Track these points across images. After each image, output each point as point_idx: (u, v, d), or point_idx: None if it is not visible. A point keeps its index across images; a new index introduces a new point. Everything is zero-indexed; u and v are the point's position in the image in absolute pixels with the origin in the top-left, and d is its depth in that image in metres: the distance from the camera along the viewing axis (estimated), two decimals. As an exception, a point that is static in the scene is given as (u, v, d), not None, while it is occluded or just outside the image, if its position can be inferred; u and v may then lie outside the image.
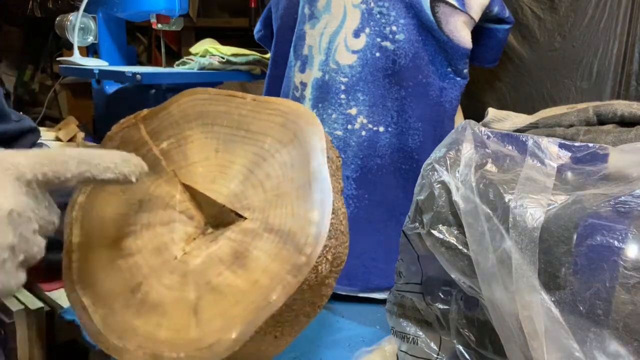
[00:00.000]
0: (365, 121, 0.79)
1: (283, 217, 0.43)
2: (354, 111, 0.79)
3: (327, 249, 0.42)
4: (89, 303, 0.43)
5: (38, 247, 0.33)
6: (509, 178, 0.47)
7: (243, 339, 0.40)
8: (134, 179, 0.39)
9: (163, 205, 0.45)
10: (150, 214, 0.45)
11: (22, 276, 0.32)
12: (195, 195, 0.46)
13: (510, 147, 0.53)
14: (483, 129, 0.54)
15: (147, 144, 0.46)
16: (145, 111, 0.48)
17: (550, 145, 0.52)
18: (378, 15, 0.77)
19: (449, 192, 0.50)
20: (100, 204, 0.44)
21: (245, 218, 0.44)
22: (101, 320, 0.42)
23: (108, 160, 0.37)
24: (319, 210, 0.43)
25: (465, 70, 0.81)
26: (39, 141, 0.61)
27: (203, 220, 0.46)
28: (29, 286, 0.86)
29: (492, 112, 0.81)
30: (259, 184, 0.45)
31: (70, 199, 0.43)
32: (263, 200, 0.44)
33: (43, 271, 0.64)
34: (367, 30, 0.78)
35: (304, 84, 0.83)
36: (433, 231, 0.50)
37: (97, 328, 0.42)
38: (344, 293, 0.81)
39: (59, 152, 0.35)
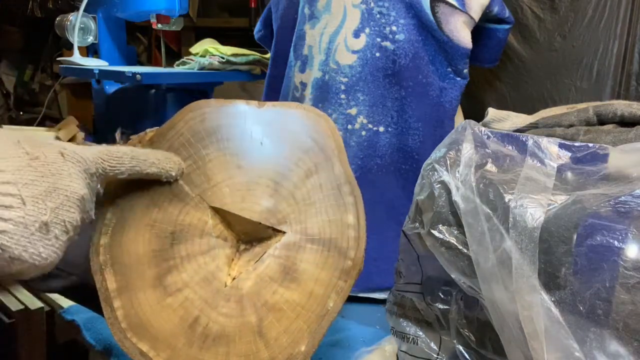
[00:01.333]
0: (365, 121, 0.79)
1: (321, 225, 0.45)
2: (354, 111, 0.79)
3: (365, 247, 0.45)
4: (147, 348, 0.41)
5: (78, 234, 0.37)
6: (509, 178, 0.47)
7: (312, 350, 0.42)
8: (174, 174, 0.43)
9: (198, 234, 0.43)
10: (187, 245, 0.43)
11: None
12: (225, 216, 0.44)
13: (510, 147, 0.53)
14: (483, 129, 0.54)
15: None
16: (150, 133, 0.45)
17: (550, 145, 0.52)
18: (378, 15, 0.77)
19: (449, 192, 0.50)
20: (129, 244, 0.41)
21: (284, 232, 0.44)
22: None
23: (153, 156, 0.41)
24: (352, 212, 0.46)
25: (465, 70, 0.81)
26: None
27: (235, 238, 0.45)
28: (29, 286, 0.86)
29: (492, 112, 0.81)
30: (289, 195, 0.45)
31: (91, 243, 0.41)
32: (297, 212, 0.45)
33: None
34: (367, 30, 0.78)
35: (304, 84, 0.83)
36: (433, 231, 0.50)
37: None
38: None
39: (115, 149, 0.40)
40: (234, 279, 0.43)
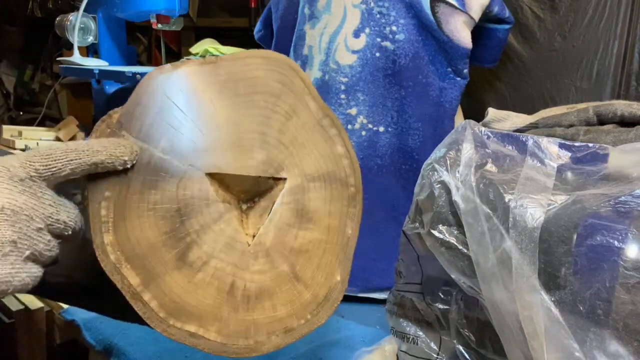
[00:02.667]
0: (365, 121, 0.79)
1: (316, 163, 0.46)
2: (354, 111, 0.79)
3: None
4: (195, 328, 0.40)
5: (45, 244, 0.35)
6: (509, 178, 0.47)
7: (346, 276, 0.46)
8: (127, 159, 0.40)
9: (204, 203, 0.42)
10: (197, 217, 0.42)
11: (34, 269, 0.34)
12: (223, 179, 0.43)
13: (510, 147, 0.53)
14: (483, 129, 0.54)
15: (146, 150, 0.41)
16: (114, 115, 0.42)
17: (550, 145, 0.52)
18: (378, 15, 0.77)
19: (449, 192, 0.50)
20: (136, 234, 0.40)
21: (285, 178, 0.45)
22: (219, 334, 0.41)
23: (97, 145, 0.38)
24: (339, 143, 0.47)
25: (465, 70, 0.81)
26: None
27: (235, 199, 0.44)
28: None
29: (492, 112, 0.81)
30: (277, 142, 0.45)
31: (95, 246, 0.39)
32: (290, 156, 0.45)
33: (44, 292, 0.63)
34: (367, 30, 0.78)
35: (304, 84, 0.83)
36: (433, 231, 0.50)
37: (220, 342, 0.41)
38: (344, 293, 0.81)
39: (47, 146, 0.37)
40: (253, 236, 0.44)
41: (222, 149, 0.43)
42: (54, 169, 0.36)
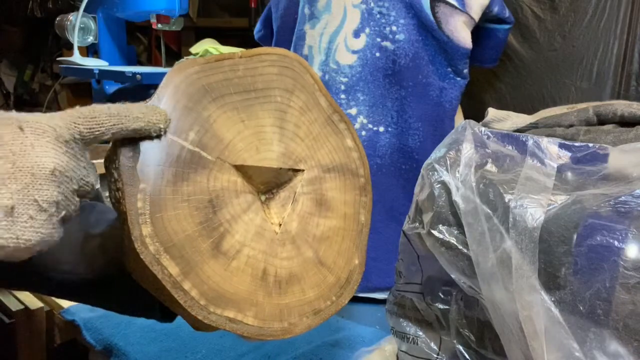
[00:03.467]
0: (365, 121, 0.79)
1: (329, 155, 0.49)
2: (354, 111, 0.79)
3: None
4: (234, 314, 0.42)
5: (75, 206, 0.36)
6: (509, 178, 0.47)
7: (363, 260, 0.50)
8: (162, 127, 0.41)
9: (234, 194, 0.44)
10: (228, 208, 0.43)
11: (61, 231, 0.35)
12: (246, 171, 0.45)
13: (510, 147, 0.53)
14: (483, 129, 0.54)
15: (176, 143, 0.42)
16: None
17: (550, 145, 0.52)
18: (378, 15, 0.77)
19: (449, 192, 0.50)
20: (173, 225, 0.41)
21: (303, 170, 0.48)
22: (256, 318, 0.43)
23: (136, 110, 0.39)
24: (349, 137, 0.51)
25: (465, 70, 0.81)
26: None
27: (256, 190, 0.46)
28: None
29: (492, 112, 0.81)
30: (294, 135, 0.48)
31: (133, 238, 0.39)
32: (306, 148, 0.48)
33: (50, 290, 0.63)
34: (367, 30, 0.78)
35: (304, 84, 0.83)
36: (433, 231, 0.50)
37: (257, 326, 0.43)
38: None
39: (90, 108, 0.37)
40: (279, 225, 0.46)
41: (245, 142, 0.45)
42: (97, 132, 0.36)
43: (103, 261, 0.47)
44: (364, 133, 0.79)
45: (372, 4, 0.77)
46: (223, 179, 0.44)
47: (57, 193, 0.33)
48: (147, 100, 0.43)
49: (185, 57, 1.35)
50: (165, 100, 0.42)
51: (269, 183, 0.47)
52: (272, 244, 0.45)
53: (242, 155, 0.45)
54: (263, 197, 0.47)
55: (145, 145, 0.41)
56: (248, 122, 0.45)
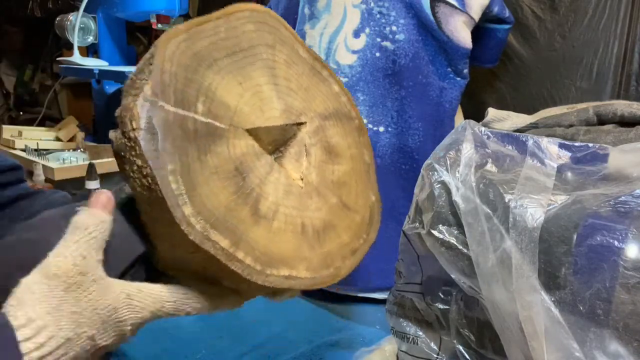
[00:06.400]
0: (365, 121, 0.79)
1: (323, 103, 0.50)
2: (354, 111, 0.79)
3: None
4: (289, 272, 0.43)
5: None
6: (509, 178, 0.47)
7: (378, 195, 0.53)
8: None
9: (256, 158, 0.44)
10: (254, 172, 0.44)
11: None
12: (257, 134, 0.45)
13: (510, 147, 0.53)
14: (483, 129, 0.54)
15: (188, 117, 0.41)
16: (144, 86, 0.41)
17: (550, 145, 0.52)
18: (378, 15, 0.77)
19: (449, 192, 0.50)
20: (210, 200, 0.40)
21: (305, 122, 0.49)
22: (307, 271, 0.44)
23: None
24: (334, 82, 0.52)
25: (465, 70, 0.81)
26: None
27: (266, 149, 0.46)
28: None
29: (492, 112, 0.81)
30: (288, 89, 0.48)
31: (177, 221, 0.38)
32: (301, 100, 0.49)
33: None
34: (367, 30, 0.78)
35: (304, 84, 0.83)
36: (433, 231, 0.50)
37: (310, 278, 0.44)
38: (344, 293, 0.81)
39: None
40: (301, 179, 0.47)
41: (249, 104, 0.45)
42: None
43: None
44: (364, 133, 0.79)
45: (372, 4, 0.77)
46: (241, 145, 0.43)
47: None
48: (143, 81, 0.40)
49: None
50: (166, 73, 0.41)
51: (276, 142, 0.47)
52: (302, 199, 0.46)
53: (250, 118, 0.45)
54: (274, 156, 0.47)
55: (158, 125, 0.39)
56: (245, 84, 0.45)
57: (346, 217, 0.49)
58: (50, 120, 1.99)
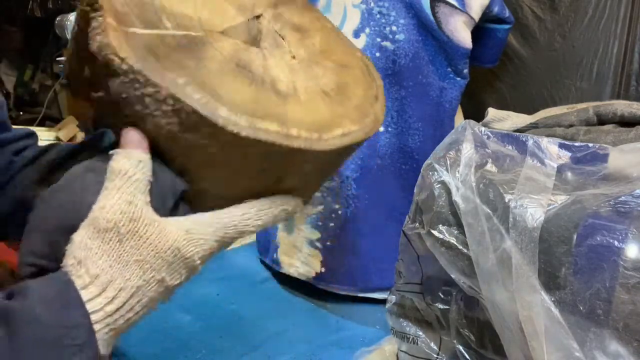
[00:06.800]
0: (365, 121, 0.79)
1: None
2: (354, 111, 0.79)
3: None
4: (341, 130, 0.43)
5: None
6: (509, 178, 0.47)
7: (359, 50, 0.55)
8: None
9: (246, 51, 0.44)
10: (255, 62, 0.44)
11: None
12: (229, 33, 0.45)
13: (510, 147, 0.53)
14: (483, 129, 0.54)
15: (163, 36, 0.39)
16: (105, 18, 0.38)
17: (550, 145, 0.52)
18: (378, 15, 0.77)
19: (449, 192, 0.50)
20: (240, 98, 0.39)
21: (261, 14, 0.48)
22: (353, 123, 0.45)
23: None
24: None
25: (465, 70, 0.81)
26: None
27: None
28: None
29: (492, 112, 0.81)
30: None
31: (217, 122, 0.37)
32: None
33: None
34: (367, 30, 0.78)
35: (304, 84, 0.83)
36: (433, 231, 0.50)
37: (360, 128, 0.44)
38: (344, 293, 0.81)
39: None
40: (294, 57, 0.48)
41: (205, 10, 0.44)
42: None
43: None
44: (364, 133, 0.79)
45: (372, 4, 0.77)
46: (226, 45, 0.43)
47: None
48: (99, 18, 0.37)
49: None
50: (120, 6, 0.38)
51: (247, 40, 0.47)
52: (307, 71, 0.47)
53: (215, 22, 0.44)
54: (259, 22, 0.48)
55: (144, 48, 0.37)
56: None
57: (349, 74, 0.50)
58: (50, 120, 1.99)
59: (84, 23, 0.39)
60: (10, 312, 0.30)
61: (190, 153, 0.38)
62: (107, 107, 0.38)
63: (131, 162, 0.35)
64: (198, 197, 0.41)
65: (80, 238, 0.34)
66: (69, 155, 0.47)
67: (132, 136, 0.36)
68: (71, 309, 0.31)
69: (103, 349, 0.33)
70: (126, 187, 0.34)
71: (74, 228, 0.34)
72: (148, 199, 0.35)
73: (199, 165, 0.39)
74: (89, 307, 0.32)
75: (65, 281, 0.32)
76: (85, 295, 0.32)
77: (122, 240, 0.34)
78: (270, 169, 0.40)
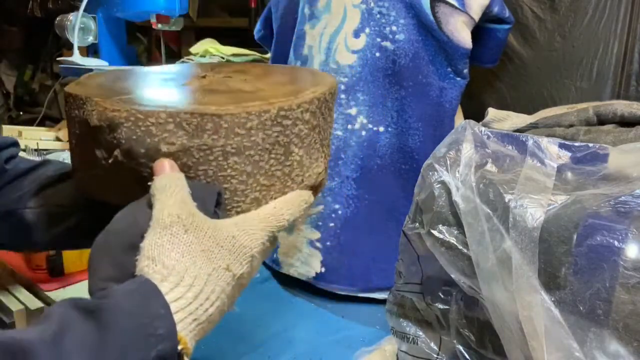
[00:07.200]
0: (365, 121, 0.79)
1: None
2: (353, 111, 0.79)
3: None
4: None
5: None
6: (509, 178, 0.47)
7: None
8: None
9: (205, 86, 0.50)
10: (215, 83, 0.51)
11: None
12: None
13: (510, 147, 0.53)
14: (483, 129, 0.54)
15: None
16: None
17: (550, 145, 0.52)
18: (378, 15, 0.77)
19: (449, 192, 0.50)
20: (212, 101, 0.44)
21: None
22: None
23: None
24: None
25: (465, 70, 0.81)
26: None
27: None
28: (29, 286, 0.86)
29: (492, 112, 0.81)
30: None
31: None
32: None
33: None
34: (367, 30, 0.78)
35: (304, 84, 0.83)
36: (433, 231, 0.50)
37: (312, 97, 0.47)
38: (344, 293, 0.81)
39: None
40: (242, 79, 0.53)
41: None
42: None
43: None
44: (364, 133, 0.79)
45: (372, 4, 0.77)
46: (195, 81, 0.52)
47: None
48: None
49: (185, 57, 1.35)
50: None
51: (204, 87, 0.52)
52: (261, 80, 0.52)
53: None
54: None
55: None
56: None
57: (296, 72, 0.60)
58: (50, 120, 1.99)
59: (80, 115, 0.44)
60: (100, 309, 0.32)
61: (206, 157, 0.42)
62: (124, 162, 0.42)
63: (170, 178, 0.39)
64: (231, 199, 0.44)
65: (149, 240, 0.36)
66: (68, 173, 0.51)
67: (161, 163, 0.40)
68: (152, 300, 0.33)
69: (190, 342, 0.35)
70: (175, 193, 0.38)
71: (136, 244, 0.36)
72: (194, 204, 0.38)
73: (218, 164, 0.42)
74: (169, 297, 0.34)
75: (144, 280, 0.34)
76: (164, 287, 0.34)
77: (187, 232, 0.36)
78: (277, 142, 0.44)
